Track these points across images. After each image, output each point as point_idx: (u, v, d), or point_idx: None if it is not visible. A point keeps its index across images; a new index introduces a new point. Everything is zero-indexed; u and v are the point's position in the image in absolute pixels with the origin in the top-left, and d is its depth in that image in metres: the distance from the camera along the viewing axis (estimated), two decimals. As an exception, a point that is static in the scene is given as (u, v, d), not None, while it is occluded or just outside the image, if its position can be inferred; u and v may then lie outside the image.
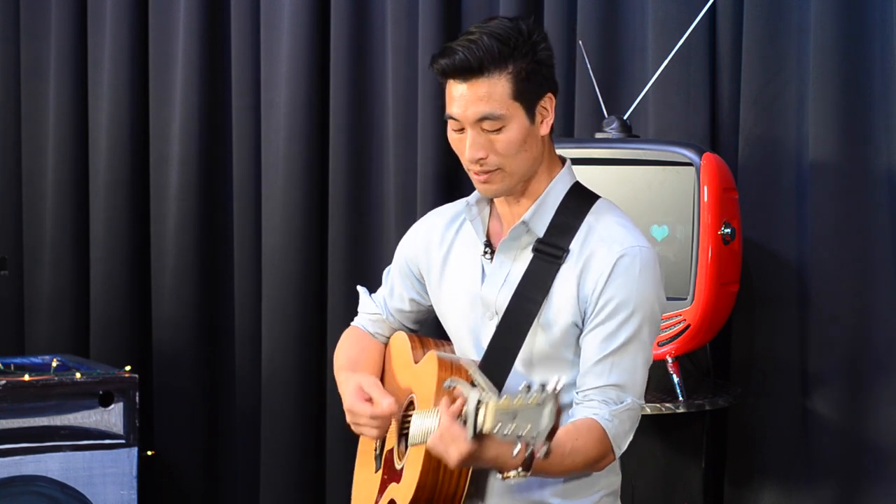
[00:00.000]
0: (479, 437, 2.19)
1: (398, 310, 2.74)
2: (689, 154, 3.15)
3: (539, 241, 2.45)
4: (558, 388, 2.09)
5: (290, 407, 4.23)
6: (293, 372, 4.22)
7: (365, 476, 2.69)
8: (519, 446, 2.11)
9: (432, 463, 2.38)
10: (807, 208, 3.33)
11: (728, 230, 3.11)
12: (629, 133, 3.32)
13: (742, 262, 3.23)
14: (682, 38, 3.34)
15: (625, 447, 2.42)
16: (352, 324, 2.82)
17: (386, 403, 2.50)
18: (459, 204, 2.65)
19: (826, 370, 3.32)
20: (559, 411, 2.09)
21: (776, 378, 3.39)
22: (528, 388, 2.11)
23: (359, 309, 2.81)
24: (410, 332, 2.74)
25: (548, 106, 2.44)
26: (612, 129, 3.31)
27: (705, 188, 3.11)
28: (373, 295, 2.80)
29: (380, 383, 2.56)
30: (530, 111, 2.41)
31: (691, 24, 3.34)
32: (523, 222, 2.46)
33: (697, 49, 3.46)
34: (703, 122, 3.50)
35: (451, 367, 2.45)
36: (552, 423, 2.08)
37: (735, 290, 3.24)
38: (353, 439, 4.11)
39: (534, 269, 2.44)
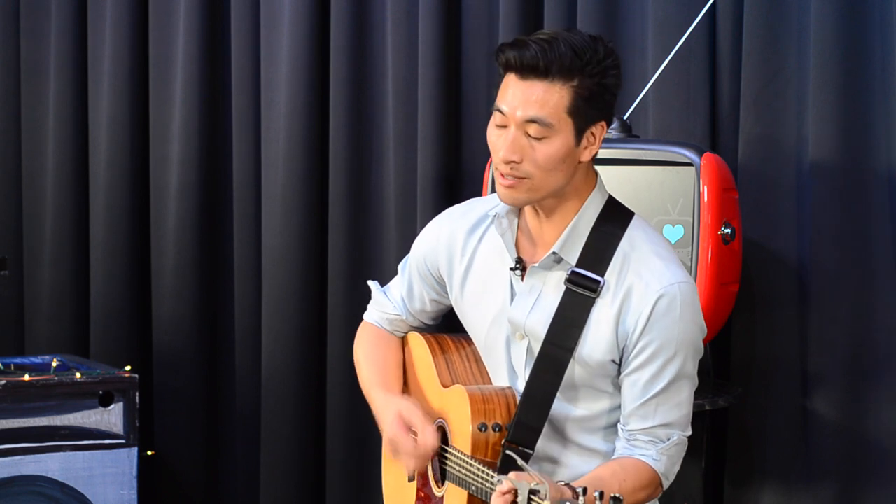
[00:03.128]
0: None
1: (419, 310, 2.69)
2: (689, 154, 3.15)
3: (573, 272, 2.38)
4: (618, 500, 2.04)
5: (290, 407, 4.23)
6: (293, 372, 4.22)
7: (397, 480, 2.64)
8: None
9: None
10: (807, 208, 3.33)
11: (728, 230, 3.11)
12: (629, 133, 3.32)
13: (742, 262, 3.23)
14: (682, 38, 3.34)
15: (673, 478, 2.42)
16: (366, 319, 2.78)
17: (430, 437, 2.46)
18: (481, 208, 2.57)
19: (826, 370, 3.31)
20: None
21: (776, 378, 3.39)
22: (581, 495, 2.07)
23: (371, 305, 2.77)
24: (427, 327, 2.71)
25: (597, 133, 2.38)
26: (612, 129, 3.31)
27: (705, 188, 3.10)
28: (387, 290, 2.75)
29: (419, 410, 2.52)
30: (579, 132, 2.35)
31: (691, 24, 3.34)
32: (553, 253, 2.40)
33: (697, 49, 3.46)
34: (703, 122, 3.50)
35: (484, 412, 2.40)
36: None
37: (735, 290, 3.24)
38: (352, 440, 4.13)
39: (568, 301, 2.38)
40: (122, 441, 3.75)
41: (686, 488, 3.46)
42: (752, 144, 3.40)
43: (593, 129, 2.37)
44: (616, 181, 3.17)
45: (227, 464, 4.49)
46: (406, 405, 2.52)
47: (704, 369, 3.42)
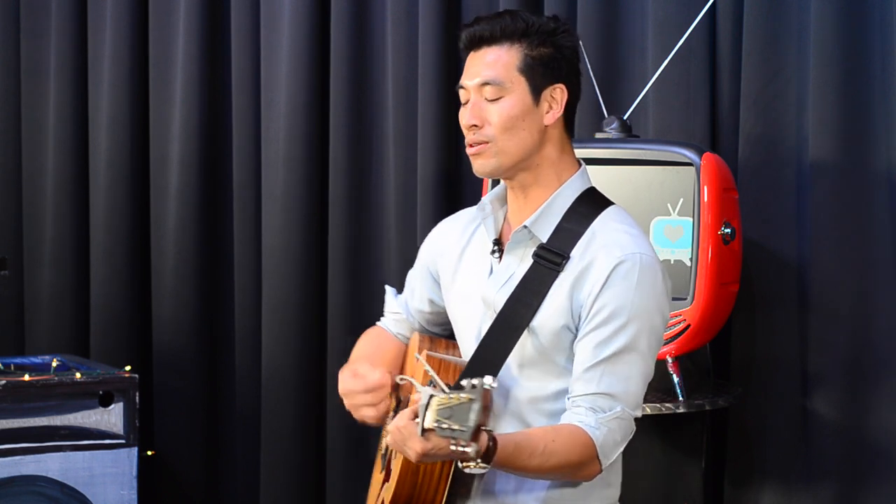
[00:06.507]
0: (426, 433, 2.19)
1: (418, 310, 2.71)
2: (689, 154, 3.15)
3: (541, 246, 2.42)
4: (493, 385, 2.08)
5: (290, 406, 4.23)
6: (293, 372, 4.22)
7: (375, 476, 2.69)
8: (452, 443, 2.11)
9: (411, 463, 2.36)
10: (807, 208, 3.33)
11: (728, 230, 3.11)
12: (629, 133, 3.32)
13: (742, 262, 3.23)
14: (682, 38, 3.34)
15: (613, 458, 2.36)
16: (376, 324, 2.80)
17: (377, 374, 2.47)
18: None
19: (826, 370, 3.32)
20: (487, 408, 2.08)
21: (776, 378, 3.39)
22: (469, 384, 2.11)
23: (385, 309, 2.79)
24: (430, 333, 2.72)
25: (557, 97, 2.42)
26: (612, 129, 3.31)
27: (705, 188, 3.11)
28: (398, 296, 2.78)
29: (367, 363, 2.53)
30: (535, 92, 2.40)
31: (691, 24, 3.34)
32: (525, 227, 2.43)
33: (697, 49, 3.46)
34: (703, 122, 3.50)
35: (438, 372, 2.42)
36: (477, 421, 2.08)
37: (735, 290, 3.24)
38: (353, 439, 4.13)
39: (532, 274, 2.41)
40: (122, 441, 3.75)
41: (686, 488, 3.47)
42: (752, 144, 3.40)
43: (552, 91, 2.42)
44: (616, 181, 3.18)
45: (227, 464, 4.50)
46: (360, 363, 2.54)
47: (704, 369, 3.43)
